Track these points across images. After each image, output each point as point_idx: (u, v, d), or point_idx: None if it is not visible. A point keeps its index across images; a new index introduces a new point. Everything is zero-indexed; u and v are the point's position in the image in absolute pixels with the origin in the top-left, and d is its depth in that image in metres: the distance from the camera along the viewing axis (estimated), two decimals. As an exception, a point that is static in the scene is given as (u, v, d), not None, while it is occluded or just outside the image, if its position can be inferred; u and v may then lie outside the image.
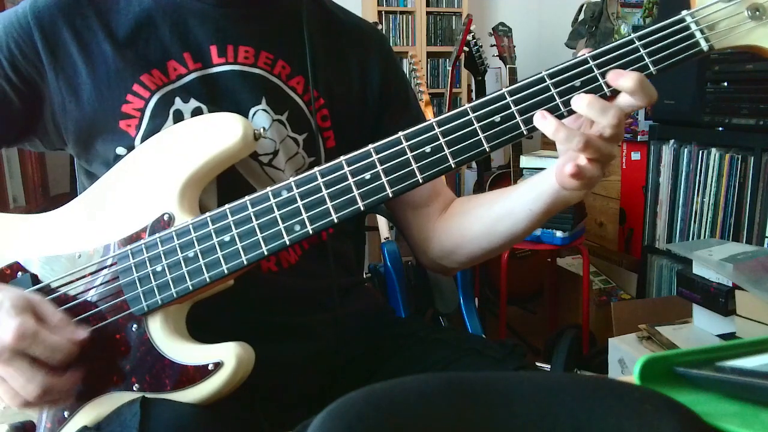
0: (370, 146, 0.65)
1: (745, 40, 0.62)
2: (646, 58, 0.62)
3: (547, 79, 0.63)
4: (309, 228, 0.64)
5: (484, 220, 0.81)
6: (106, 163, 0.74)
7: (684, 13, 0.63)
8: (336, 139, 0.84)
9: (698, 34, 0.62)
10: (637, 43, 0.63)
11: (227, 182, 0.73)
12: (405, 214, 0.90)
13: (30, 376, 0.59)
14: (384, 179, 0.64)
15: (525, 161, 2.18)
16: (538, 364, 1.75)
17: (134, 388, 0.65)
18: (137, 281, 0.66)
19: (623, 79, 0.61)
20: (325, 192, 0.64)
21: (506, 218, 0.77)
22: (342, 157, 0.65)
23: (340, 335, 0.82)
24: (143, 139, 0.73)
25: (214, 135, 0.68)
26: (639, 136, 2.58)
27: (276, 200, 0.65)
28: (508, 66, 2.49)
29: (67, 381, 0.62)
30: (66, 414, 0.66)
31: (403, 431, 0.37)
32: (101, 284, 0.67)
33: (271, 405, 0.76)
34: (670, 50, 0.62)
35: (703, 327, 1.61)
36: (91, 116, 0.74)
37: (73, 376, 0.62)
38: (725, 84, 1.91)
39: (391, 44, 1.09)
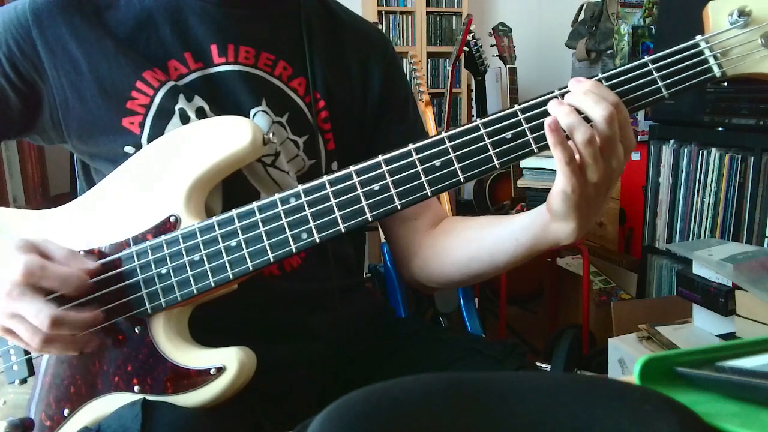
0: (380, 157, 0.64)
1: (757, 68, 0.63)
2: (659, 81, 0.63)
3: (559, 98, 0.63)
4: (316, 237, 0.64)
5: (471, 243, 0.79)
6: (113, 160, 0.73)
7: (698, 37, 0.63)
8: (335, 141, 0.83)
9: (711, 60, 0.63)
10: (651, 66, 0.63)
11: (231, 184, 0.73)
12: (392, 225, 0.89)
13: (41, 305, 0.60)
14: (393, 191, 0.64)
15: (525, 161, 2.18)
16: (538, 364, 1.75)
17: (135, 390, 0.65)
18: (141, 283, 0.66)
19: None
20: (333, 201, 0.64)
21: (492, 246, 0.76)
22: (351, 167, 0.65)
23: (341, 335, 0.83)
24: (149, 137, 0.72)
25: (222, 138, 0.68)
26: (639, 136, 2.58)
27: (284, 207, 0.65)
28: (508, 66, 2.49)
29: (80, 315, 0.62)
30: (66, 412, 0.66)
31: (403, 431, 0.38)
32: (105, 284, 0.67)
33: (271, 405, 0.76)
34: (683, 74, 0.63)
35: (703, 327, 1.61)
36: (95, 114, 0.73)
37: (88, 311, 0.63)
38: (725, 84, 1.90)
39: (391, 45, 1.09)
